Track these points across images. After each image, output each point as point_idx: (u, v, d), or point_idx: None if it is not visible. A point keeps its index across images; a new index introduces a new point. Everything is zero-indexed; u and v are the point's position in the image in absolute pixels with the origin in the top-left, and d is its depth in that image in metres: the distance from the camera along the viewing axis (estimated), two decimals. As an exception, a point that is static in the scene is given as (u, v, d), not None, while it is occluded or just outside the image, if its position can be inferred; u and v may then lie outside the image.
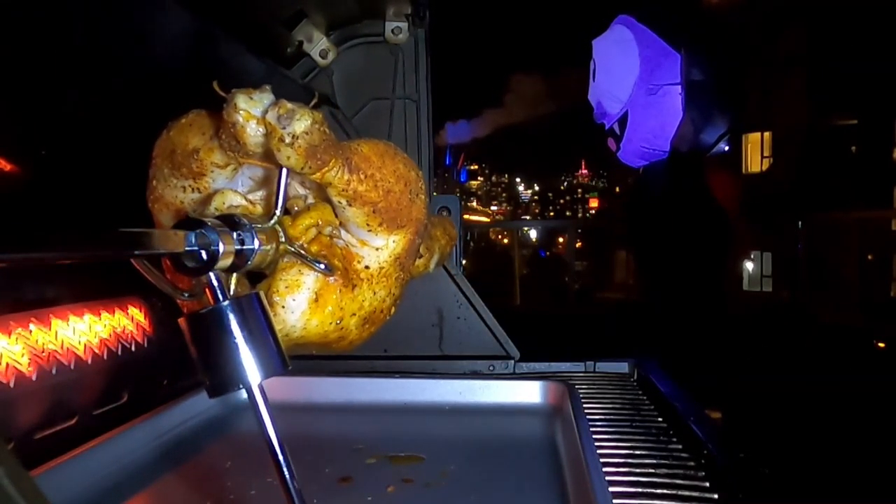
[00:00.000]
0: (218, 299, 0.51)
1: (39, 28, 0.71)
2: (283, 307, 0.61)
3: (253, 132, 0.56)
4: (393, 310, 0.71)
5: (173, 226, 0.52)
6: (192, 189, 0.63)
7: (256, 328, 0.51)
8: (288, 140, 0.55)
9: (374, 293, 0.67)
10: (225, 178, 0.63)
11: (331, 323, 0.63)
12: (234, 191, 0.62)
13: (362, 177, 0.62)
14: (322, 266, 0.61)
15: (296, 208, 0.65)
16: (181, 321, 0.52)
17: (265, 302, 0.53)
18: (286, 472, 0.51)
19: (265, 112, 0.56)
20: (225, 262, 0.52)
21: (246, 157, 0.59)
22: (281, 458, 0.52)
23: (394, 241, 0.67)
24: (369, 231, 0.65)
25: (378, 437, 0.89)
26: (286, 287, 0.61)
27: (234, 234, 0.53)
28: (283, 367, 0.53)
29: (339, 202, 0.63)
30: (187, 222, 0.51)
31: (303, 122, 0.55)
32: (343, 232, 0.66)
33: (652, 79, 1.95)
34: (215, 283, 0.51)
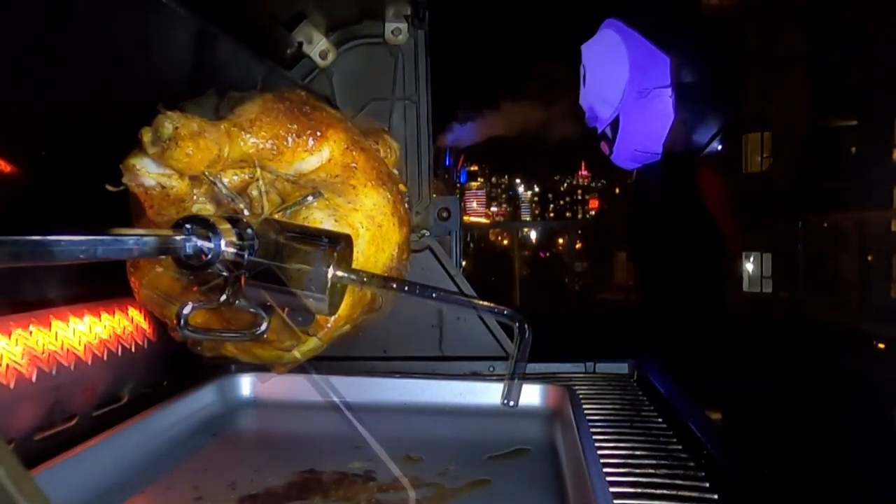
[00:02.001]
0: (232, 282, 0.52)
1: (39, 28, 0.71)
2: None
3: (154, 171, 0.58)
4: (404, 208, 0.74)
5: (172, 225, 0.52)
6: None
7: (280, 291, 0.52)
8: (172, 146, 0.55)
9: (369, 192, 0.69)
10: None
11: (369, 225, 0.67)
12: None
13: (260, 123, 0.64)
14: (310, 198, 0.64)
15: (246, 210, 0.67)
16: (213, 317, 0.53)
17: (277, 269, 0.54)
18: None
19: (144, 150, 0.58)
20: (228, 251, 0.52)
21: (188, 202, 0.61)
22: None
23: (328, 150, 0.68)
24: (306, 154, 0.67)
25: (378, 437, 0.89)
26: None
27: (232, 227, 0.54)
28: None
29: (267, 163, 0.64)
30: (184, 220, 0.52)
31: (166, 124, 0.56)
32: (292, 184, 0.67)
33: (642, 82, 1.95)
34: (225, 273, 0.52)
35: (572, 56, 2.12)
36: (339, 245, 0.55)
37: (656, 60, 1.94)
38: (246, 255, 0.53)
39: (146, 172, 0.59)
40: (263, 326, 0.63)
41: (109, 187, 0.60)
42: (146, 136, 0.56)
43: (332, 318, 0.65)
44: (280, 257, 0.54)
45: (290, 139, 0.64)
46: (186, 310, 0.58)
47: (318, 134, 0.66)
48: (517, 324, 0.54)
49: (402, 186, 0.76)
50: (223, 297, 0.59)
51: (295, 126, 0.65)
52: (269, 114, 0.64)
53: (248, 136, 0.62)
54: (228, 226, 0.54)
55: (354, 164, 0.68)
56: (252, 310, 0.64)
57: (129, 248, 0.47)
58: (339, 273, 0.54)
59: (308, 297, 0.54)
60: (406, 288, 0.57)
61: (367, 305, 0.71)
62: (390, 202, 0.70)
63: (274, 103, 0.66)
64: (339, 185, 0.67)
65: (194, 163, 0.56)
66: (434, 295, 0.57)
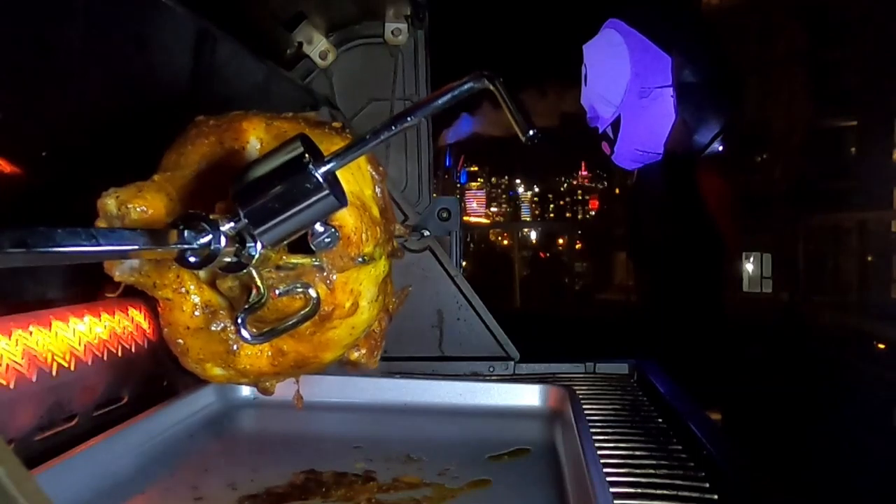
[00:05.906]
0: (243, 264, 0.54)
1: (39, 29, 0.71)
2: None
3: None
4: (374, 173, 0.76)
5: (170, 224, 0.53)
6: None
7: (290, 216, 0.53)
8: (125, 213, 0.57)
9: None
10: None
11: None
12: None
13: (184, 157, 0.67)
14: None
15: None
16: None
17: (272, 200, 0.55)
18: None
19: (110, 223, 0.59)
20: (227, 227, 0.53)
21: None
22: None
23: (254, 137, 0.69)
24: (240, 154, 0.68)
25: (378, 437, 0.89)
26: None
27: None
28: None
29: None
30: (176, 222, 0.52)
31: (108, 200, 0.57)
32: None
33: (643, 82, 1.95)
34: (246, 270, 0.53)
35: (574, 56, 2.12)
36: (299, 146, 0.53)
37: (658, 60, 1.94)
38: (241, 213, 0.53)
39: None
40: (313, 294, 0.65)
41: (109, 294, 0.61)
42: (98, 221, 0.57)
43: (354, 230, 0.65)
44: (266, 191, 0.53)
45: (216, 150, 0.67)
46: (241, 329, 0.58)
47: (235, 128, 0.68)
48: (485, 79, 0.52)
49: (335, 123, 0.77)
50: (262, 289, 0.60)
51: (213, 138, 0.67)
52: (185, 145, 0.67)
53: (181, 170, 0.64)
54: (217, 215, 0.54)
55: (284, 130, 0.70)
56: (300, 288, 0.65)
57: (133, 240, 0.48)
58: (321, 166, 0.53)
59: (313, 203, 0.53)
60: (383, 133, 0.55)
61: (379, 221, 0.72)
62: (333, 135, 0.72)
63: (183, 137, 0.69)
64: None
65: (154, 217, 0.57)
66: (409, 119, 0.55)
